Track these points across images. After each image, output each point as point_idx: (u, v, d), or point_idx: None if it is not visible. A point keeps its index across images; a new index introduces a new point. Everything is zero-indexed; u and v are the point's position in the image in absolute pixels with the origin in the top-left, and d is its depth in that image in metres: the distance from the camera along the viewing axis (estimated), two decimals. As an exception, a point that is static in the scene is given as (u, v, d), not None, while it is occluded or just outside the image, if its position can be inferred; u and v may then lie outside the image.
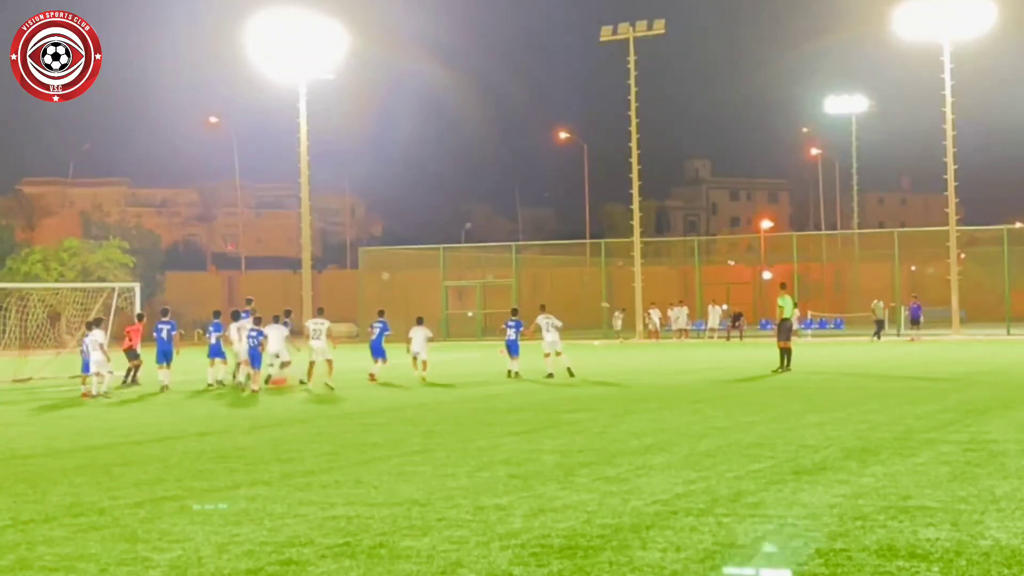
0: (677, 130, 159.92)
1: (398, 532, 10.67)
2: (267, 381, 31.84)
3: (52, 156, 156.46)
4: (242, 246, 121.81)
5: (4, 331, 38.22)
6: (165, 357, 32.33)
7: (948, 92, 66.63)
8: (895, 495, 12.06)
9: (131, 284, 39.76)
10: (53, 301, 41.56)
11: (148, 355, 33.60)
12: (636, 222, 73.37)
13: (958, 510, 11.17)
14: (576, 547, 9.91)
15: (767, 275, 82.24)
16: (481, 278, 79.50)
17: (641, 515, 11.23)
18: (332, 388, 29.96)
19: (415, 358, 34.27)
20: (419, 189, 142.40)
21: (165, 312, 34.48)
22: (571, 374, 33.39)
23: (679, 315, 69.20)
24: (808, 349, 47.45)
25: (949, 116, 66.64)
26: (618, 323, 68.01)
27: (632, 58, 71.89)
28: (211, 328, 33.76)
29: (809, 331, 67.01)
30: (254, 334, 30.86)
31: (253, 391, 29.99)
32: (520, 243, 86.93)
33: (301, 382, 31.35)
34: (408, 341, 34.48)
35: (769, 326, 61.57)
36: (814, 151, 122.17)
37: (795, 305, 38.92)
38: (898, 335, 64.25)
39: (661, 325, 68.81)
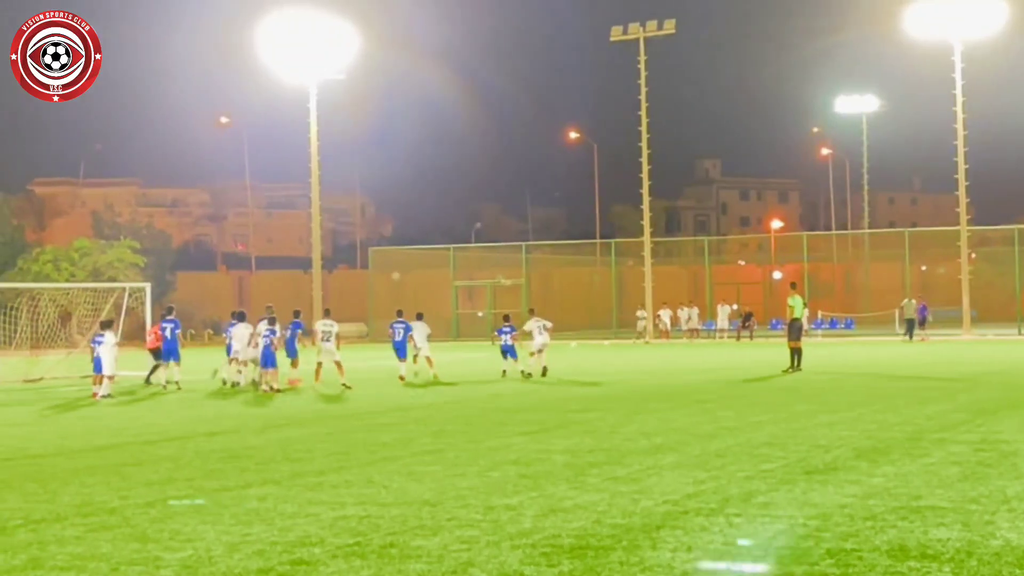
0: (687, 130, 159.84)
1: (409, 532, 10.68)
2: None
3: (63, 156, 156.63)
4: (252, 246, 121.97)
5: (15, 331, 38.30)
6: (170, 355, 32.47)
7: (959, 92, 66.49)
8: (906, 495, 12.04)
9: (142, 284, 39.83)
10: (64, 301, 41.64)
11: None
12: (646, 222, 73.31)
13: (969, 510, 11.15)
14: (587, 547, 9.91)
15: (777, 275, 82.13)
16: (491, 278, 79.45)
17: (651, 515, 11.23)
18: (349, 387, 30.11)
19: (415, 355, 34.44)
20: (429, 189, 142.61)
21: (170, 311, 34.62)
22: (544, 374, 33.66)
23: (690, 315, 69.10)
24: (818, 349, 47.40)
25: (960, 116, 66.51)
26: (641, 323, 67.78)
27: (642, 58, 71.82)
28: (228, 328, 33.84)
29: (820, 331, 66.94)
30: (268, 334, 30.96)
31: (272, 390, 30.01)
32: (530, 243, 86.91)
33: (289, 381, 31.76)
34: (409, 339, 34.60)
35: (779, 326, 61.49)
36: (825, 151, 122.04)
37: (805, 305, 38.86)
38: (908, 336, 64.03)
39: (672, 325, 68.73)
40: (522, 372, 33.87)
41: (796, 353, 34.06)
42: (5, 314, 36.52)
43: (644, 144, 72.39)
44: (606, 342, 64.41)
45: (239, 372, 32.13)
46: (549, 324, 35.37)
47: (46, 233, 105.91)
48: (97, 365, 30.04)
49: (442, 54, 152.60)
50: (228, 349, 33.22)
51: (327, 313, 33.47)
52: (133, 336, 39.63)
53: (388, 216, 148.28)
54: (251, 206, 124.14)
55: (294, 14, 66.45)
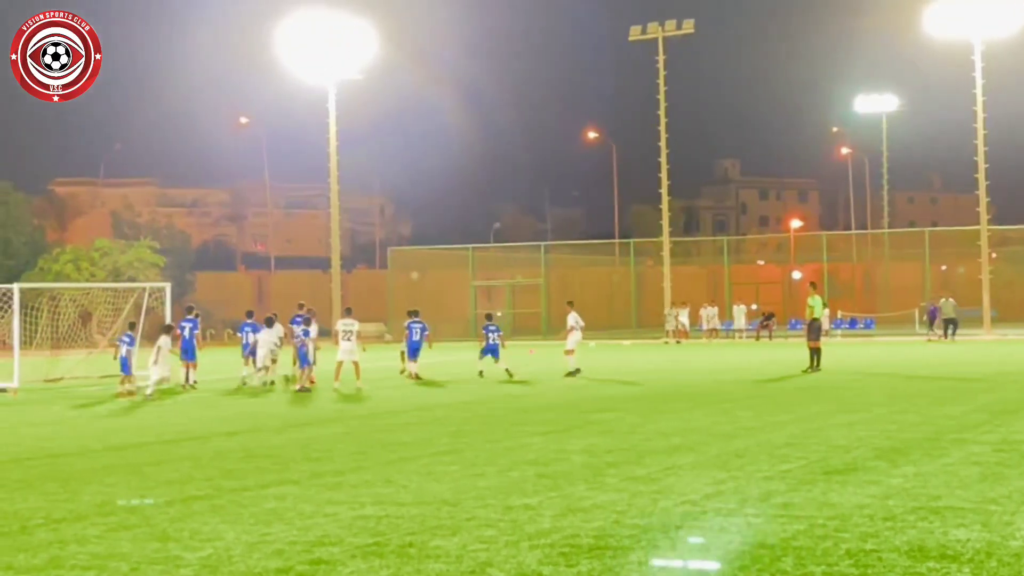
0: (706, 130, 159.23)
1: (427, 532, 10.69)
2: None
3: (83, 156, 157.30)
4: (271, 246, 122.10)
5: (36, 331, 38.41)
6: (186, 355, 32.59)
7: (979, 91, 66.22)
8: (925, 496, 12.01)
9: (162, 284, 39.89)
10: (84, 301, 41.77)
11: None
12: (665, 222, 73.24)
13: (989, 511, 11.12)
14: (605, 547, 9.91)
15: (796, 275, 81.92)
16: (510, 278, 79.49)
17: (670, 515, 11.23)
18: (361, 389, 30.09)
19: (403, 353, 34.58)
20: (448, 189, 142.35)
21: (189, 310, 34.78)
22: (575, 373, 33.70)
23: (711, 315, 68.89)
24: (838, 349, 47.29)
25: (980, 115, 66.25)
26: (674, 321, 67.31)
27: (661, 58, 71.76)
28: (246, 328, 33.94)
29: (839, 331, 66.73)
30: (303, 334, 31.12)
31: (304, 389, 30.07)
32: (549, 243, 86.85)
33: (286, 378, 32.15)
34: (405, 337, 34.72)
35: (798, 326, 61.28)
36: (844, 150, 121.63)
37: (825, 305, 38.78)
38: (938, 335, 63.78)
39: (691, 325, 68.54)
40: (507, 371, 34.01)
41: (815, 353, 34.01)
42: (26, 314, 36.59)
43: (663, 144, 72.34)
44: (626, 342, 64.34)
45: (266, 370, 32.24)
46: (582, 322, 35.52)
47: (66, 233, 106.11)
48: (123, 365, 30.10)
49: (461, 54, 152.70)
50: (244, 349, 33.31)
51: (348, 312, 33.39)
52: (153, 336, 39.74)
53: (407, 216, 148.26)
54: (270, 206, 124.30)
55: (313, 15, 66.59)
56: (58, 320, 39.48)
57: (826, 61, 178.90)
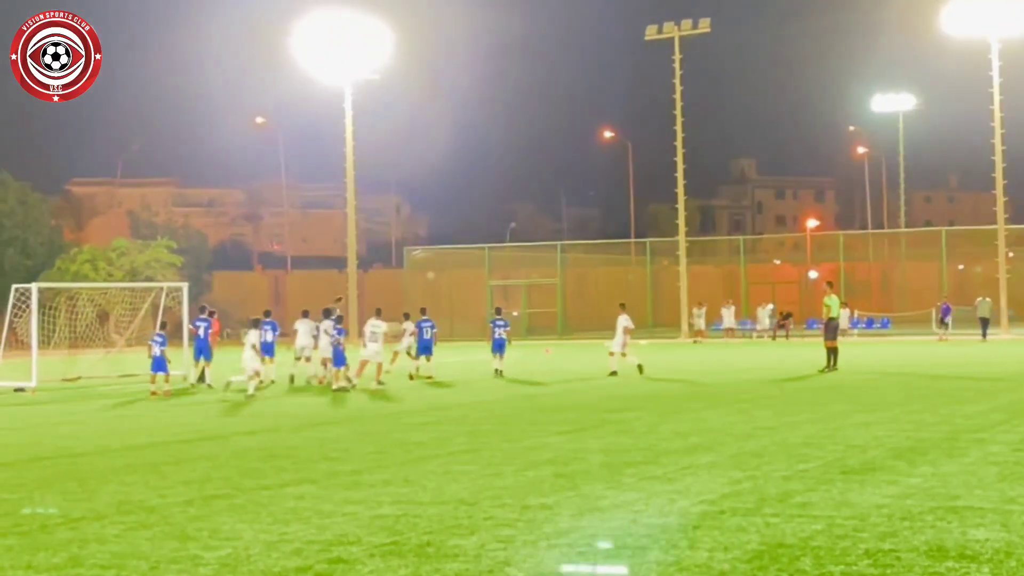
0: (723, 129, 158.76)
1: (445, 531, 10.71)
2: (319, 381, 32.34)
3: (101, 156, 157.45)
4: (288, 246, 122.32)
5: (54, 331, 38.54)
6: (201, 353, 32.69)
7: (996, 90, 65.99)
8: (944, 495, 11.99)
9: (179, 284, 39.98)
10: (102, 301, 41.89)
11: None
12: (681, 221, 73.10)
13: (1008, 511, 11.10)
14: (623, 547, 9.92)
15: (813, 274, 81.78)
16: (526, 278, 79.43)
17: (688, 515, 11.23)
18: (383, 384, 30.24)
19: (396, 352, 34.79)
20: (464, 189, 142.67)
21: (203, 309, 34.86)
22: (640, 371, 33.70)
23: (729, 315, 68.70)
24: (855, 348, 47.19)
25: (997, 114, 66.02)
26: (700, 321, 67.05)
27: (677, 57, 71.64)
28: (265, 326, 33.99)
29: (856, 330, 66.57)
30: (335, 333, 31.18)
31: (343, 389, 30.10)
32: (565, 242, 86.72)
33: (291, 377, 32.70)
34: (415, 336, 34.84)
35: (815, 325, 61.14)
36: (861, 149, 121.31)
37: (842, 304, 38.70)
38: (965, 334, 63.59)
39: (708, 324, 68.39)
40: (496, 370, 34.10)
41: (832, 353, 33.97)
42: (44, 314, 36.70)
43: (679, 143, 72.22)
44: (643, 342, 64.22)
45: (304, 361, 32.97)
46: (632, 325, 35.49)
47: (84, 233, 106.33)
48: (156, 364, 30.09)
49: (476, 54, 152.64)
50: (263, 347, 33.37)
51: (378, 313, 33.24)
52: (171, 335, 39.84)
53: (423, 215, 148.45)
54: (287, 206, 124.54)
55: (329, 15, 66.64)
56: (76, 320, 39.61)
57: (843, 60, 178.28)
